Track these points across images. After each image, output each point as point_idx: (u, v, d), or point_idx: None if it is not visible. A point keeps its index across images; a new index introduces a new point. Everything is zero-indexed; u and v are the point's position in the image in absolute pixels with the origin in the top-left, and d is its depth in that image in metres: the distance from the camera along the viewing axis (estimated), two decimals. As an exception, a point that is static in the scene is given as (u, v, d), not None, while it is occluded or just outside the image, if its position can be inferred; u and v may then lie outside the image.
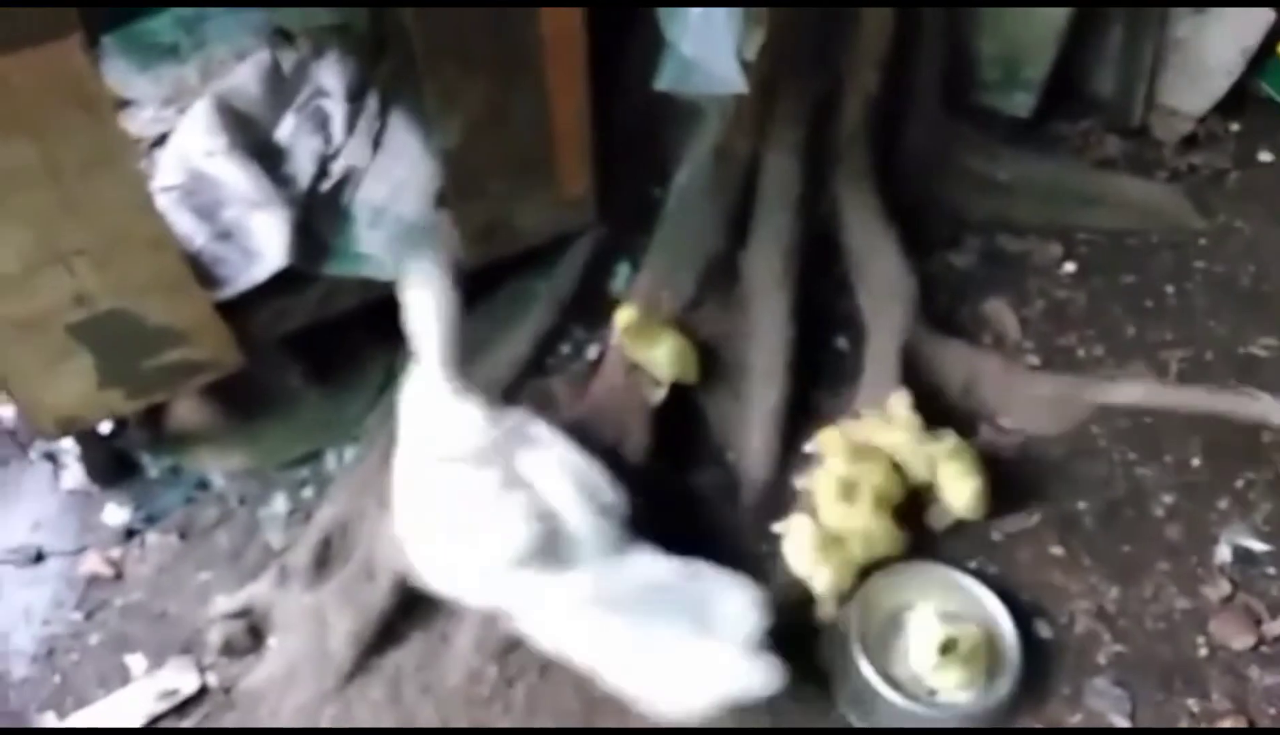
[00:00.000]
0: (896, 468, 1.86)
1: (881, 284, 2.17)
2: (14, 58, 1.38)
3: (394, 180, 2.08)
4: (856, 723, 1.73)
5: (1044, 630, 1.83)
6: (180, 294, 1.74)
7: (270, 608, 1.84)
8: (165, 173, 2.04)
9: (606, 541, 1.61)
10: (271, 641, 1.82)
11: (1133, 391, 2.05)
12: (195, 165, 2.04)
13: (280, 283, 1.91)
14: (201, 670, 1.80)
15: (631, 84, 2.20)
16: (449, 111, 1.86)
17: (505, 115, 1.89)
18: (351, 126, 2.14)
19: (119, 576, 1.94)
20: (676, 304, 2.07)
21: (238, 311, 1.87)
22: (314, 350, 1.99)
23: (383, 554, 1.78)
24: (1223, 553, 1.91)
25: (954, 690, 1.70)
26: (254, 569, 1.91)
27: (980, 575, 1.84)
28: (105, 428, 2.02)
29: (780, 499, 1.93)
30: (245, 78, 2.19)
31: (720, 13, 1.85)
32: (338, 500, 1.94)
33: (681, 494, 1.96)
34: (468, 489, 1.62)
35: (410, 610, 1.79)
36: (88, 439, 1.99)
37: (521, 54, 1.83)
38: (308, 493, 2.02)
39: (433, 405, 1.66)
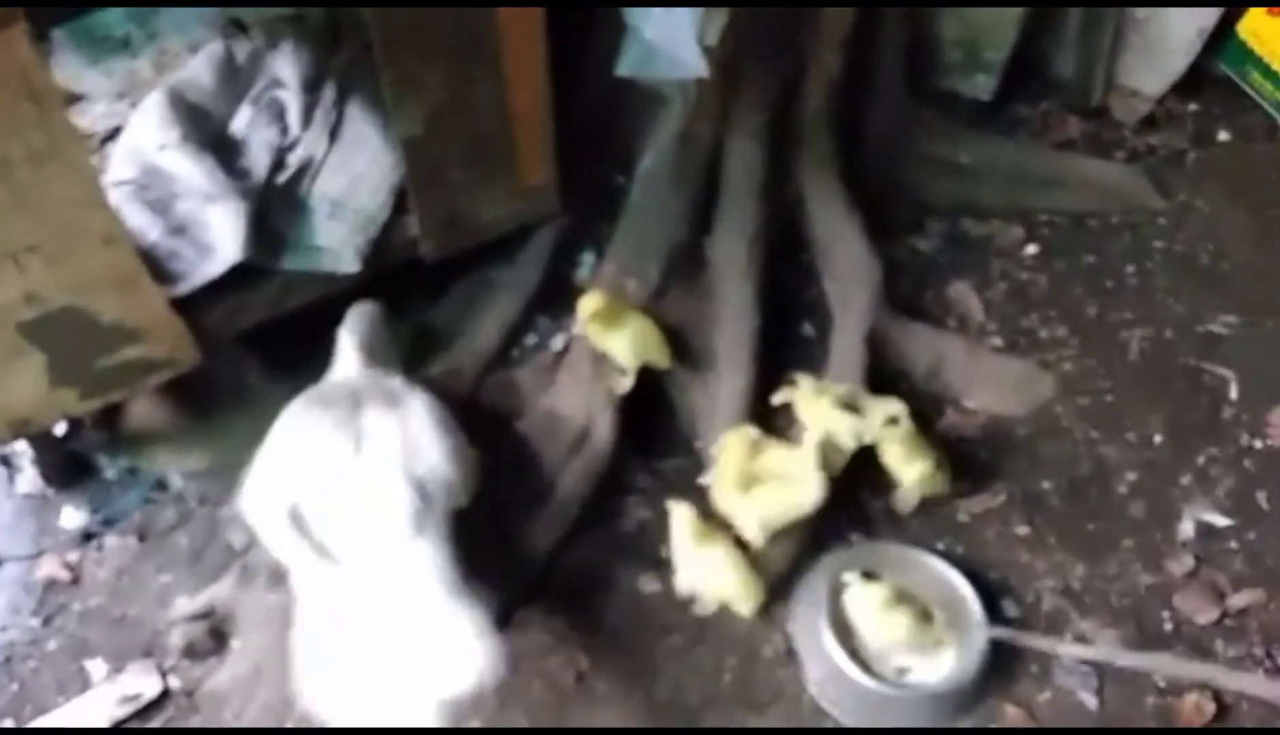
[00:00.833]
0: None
1: (846, 269, 2.17)
2: (-45, 50, 1.35)
3: (352, 172, 2.05)
4: (828, 707, 1.74)
5: (1011, 609, 1.84)
6: (134, 291, 1.70)
7: (233, 608, 1.81)
8: (118, 167, 2.00)
9: (409, 516, 1.55)
10: (235, 643, 1.80)
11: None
12: (148, 159, 2.00)
13: (237, 277, 1.89)
14: (163, 674, 1.78)
15: (593, 71, 2.19)
16: (408, 101, 1.84)
17: (465, 104, 1.87)
18: (308, 118, 2.10)
19: (77, 581, 1.91)
20: (641, 292, 2.06)
21: (193, 307, 1.84)
22: (272, 346, 1.96)
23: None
24: (1186, 528, 1.94)
25: (907, 642, 1.72)
26: (215, 570, 1.88)
27: (948, 556, 1.85)
28: (60, 429, 1.97)
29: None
30: (199, 70, 2.14)
31: (681, -3, 1.84)
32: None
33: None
34: (301, 425, 1.64)
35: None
36: (42, 441, 1.94)
37: (480, 42, 1.81)
38: (270, 491, 1.99)
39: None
